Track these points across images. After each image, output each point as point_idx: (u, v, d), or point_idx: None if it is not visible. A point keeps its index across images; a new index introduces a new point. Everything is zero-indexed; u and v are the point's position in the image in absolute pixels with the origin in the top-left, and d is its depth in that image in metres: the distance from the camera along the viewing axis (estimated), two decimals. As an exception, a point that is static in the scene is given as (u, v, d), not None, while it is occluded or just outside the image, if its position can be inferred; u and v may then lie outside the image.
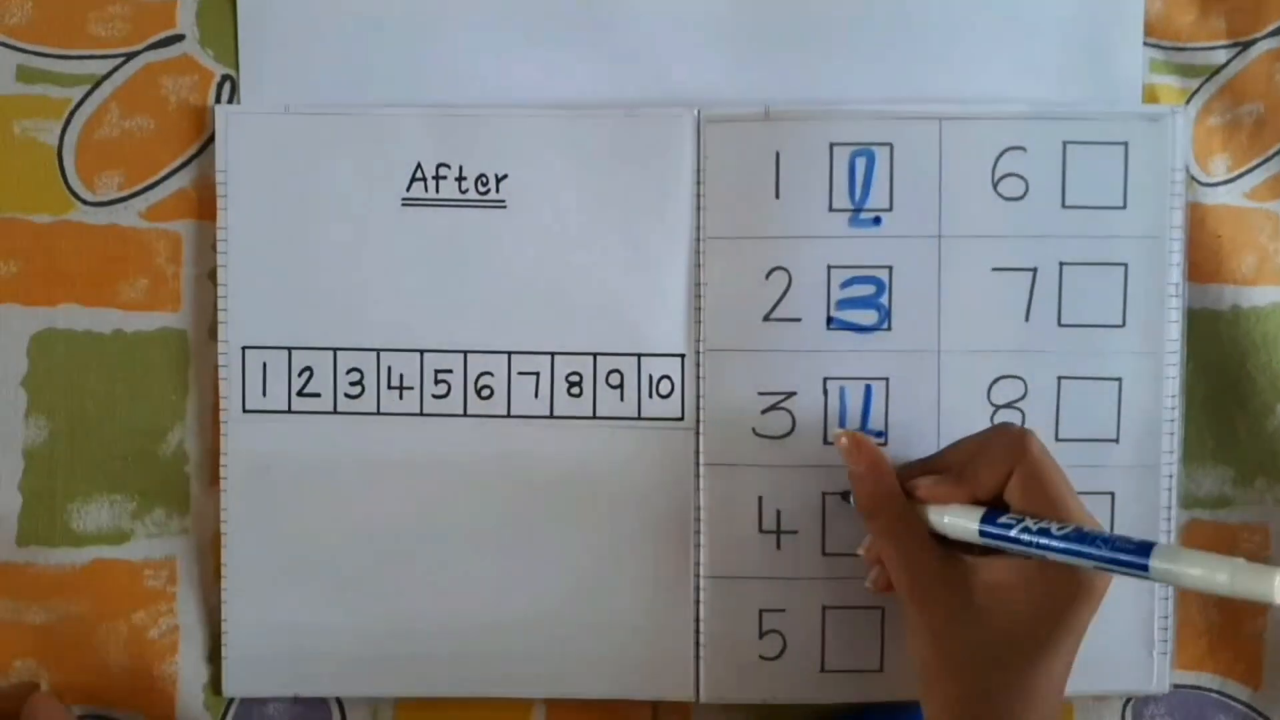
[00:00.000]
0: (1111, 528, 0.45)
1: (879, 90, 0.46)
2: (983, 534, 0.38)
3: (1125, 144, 0.45)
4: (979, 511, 0.38)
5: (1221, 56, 0.47)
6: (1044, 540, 0.36)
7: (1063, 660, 0.38)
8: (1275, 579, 0.31)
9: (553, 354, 0.46)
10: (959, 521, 0.39)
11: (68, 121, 0.46)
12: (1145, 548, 0.34)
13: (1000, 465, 0.39)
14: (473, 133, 0.46)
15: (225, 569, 0.46)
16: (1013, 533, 0.37)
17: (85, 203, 0.46)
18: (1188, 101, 0.46)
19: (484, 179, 0.46)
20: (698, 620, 0.46)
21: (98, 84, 0.46)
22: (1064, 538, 0.36)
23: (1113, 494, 0.45)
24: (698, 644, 0.46)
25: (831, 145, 0.45)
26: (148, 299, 0.47)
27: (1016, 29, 0.46)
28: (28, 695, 0.45)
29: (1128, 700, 0.47)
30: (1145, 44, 0.46)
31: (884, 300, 0.45)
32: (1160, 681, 0.46)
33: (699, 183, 0.45)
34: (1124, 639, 0.46)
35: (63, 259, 0.46)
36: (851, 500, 0.44)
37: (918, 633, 0.39)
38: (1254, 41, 0.46)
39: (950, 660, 0.38)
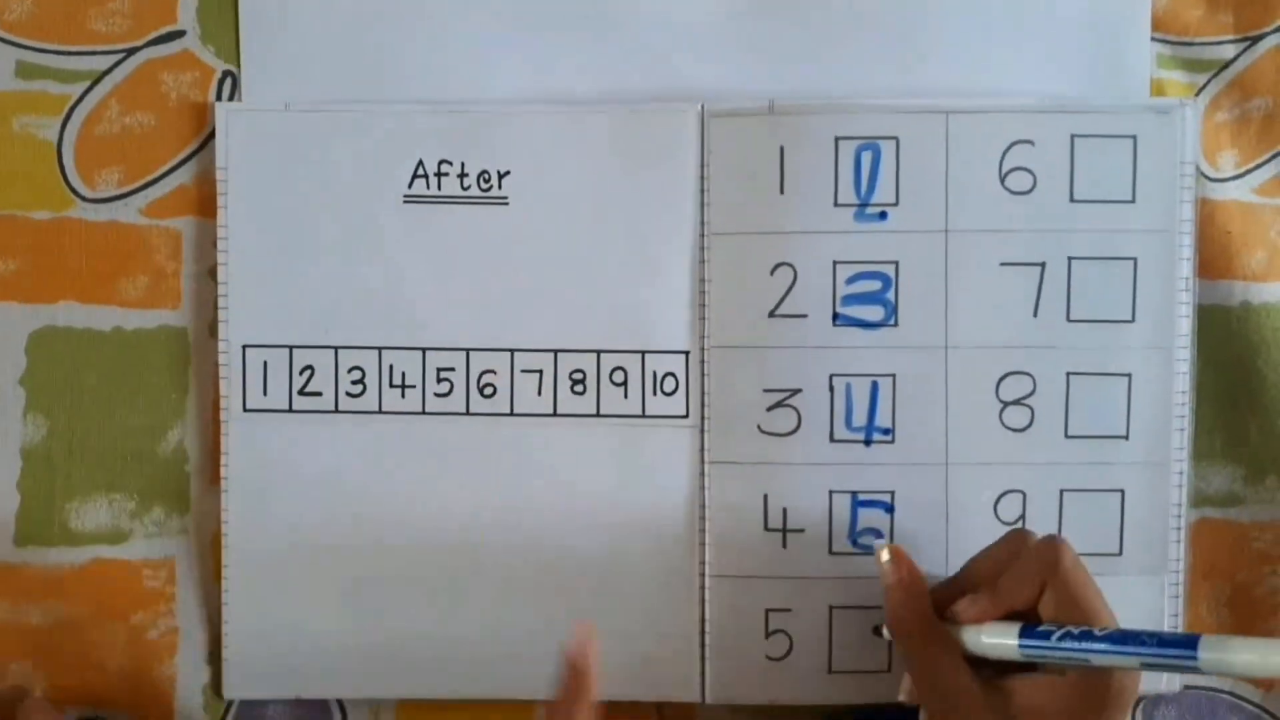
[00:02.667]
0: (1121, 526, 0.45)
1: (884, 84, 0.45)
2: (1023, 647, 0.37)
3: (1134, 137, 0.44)
4: (1015, 626, 0.37)
5: (1229, 51, 0.46)
6: (1088, 644, 0.35)
7: None
8: None
9: (556, 351, 0.46)
10: (998, 639, 0.38)
11: (67, 118, 0.46)
12: (1192, 640, 0.33)
13: (1034, 579, 0.38)
14: (475, 129, 0.45)
15: (225, 569, 0.46)
16: (1054, 640, 0.36)
17: (85, 199, 0.46)
18: (1195, 96, 0.46)
19: (486, 176, 0.45)
20: (703, 620, 0.45)
21: (97, 80, 0.46)
22: (1108, 639, 0.35)
23: (1122, 491, 0.45)
24: (703, 644, 0.45)
25: (837, 139, 0.45)
26: (147, 296, 0.46)
27: (1023, 23, 0.46)
28: (19, 701, 0.45)
29: (1139, 701, 0.47)
30: (1152, 38, 0.46)
31: (890, 296, 0.45)
32: (1171, 681, 0.46)
33: (703, 178, 0.45)
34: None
35: (62, 256, 0.46)
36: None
37: None
38: (1263, 36, 0.46)
39: None
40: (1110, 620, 0.37)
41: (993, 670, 0.39)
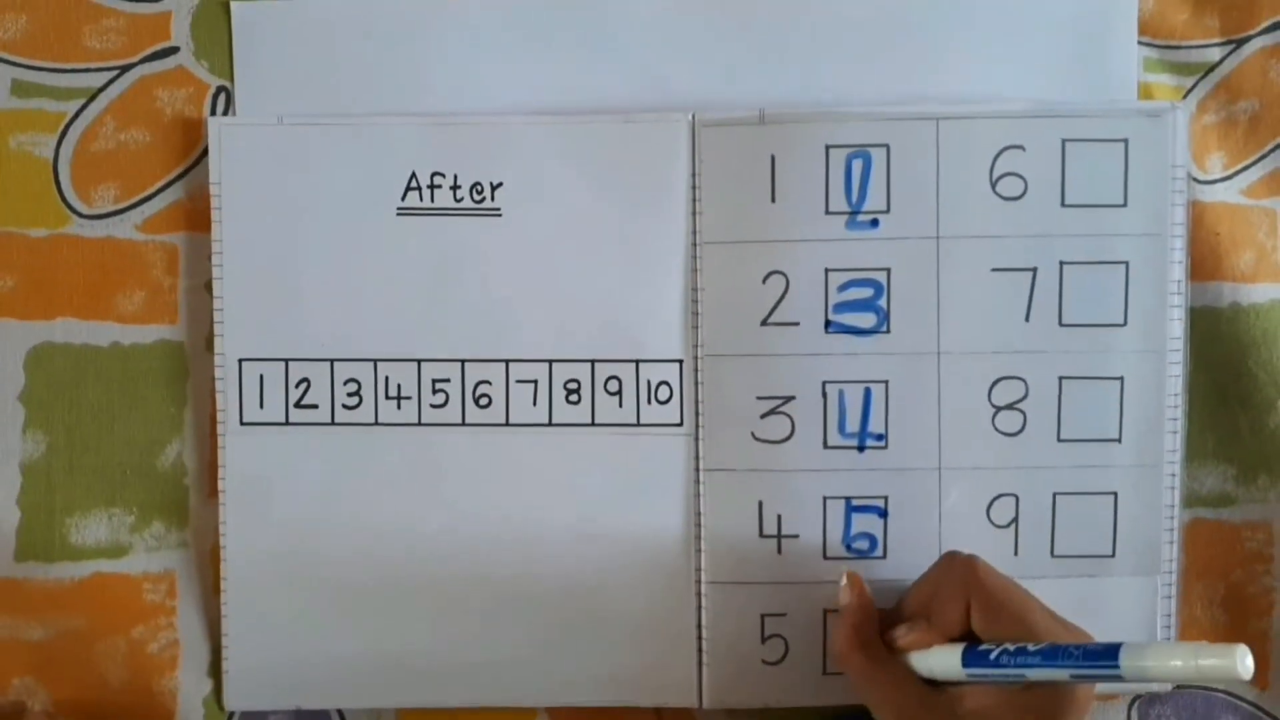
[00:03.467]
0: (1114, 529, 0.45)
1: (874, 92, 0.46)
2: (969, 673, 0.37)
3: (1125, 141, 0.44)
4: (958, 649, 0.38)
5: (1215, 54, 0.46)
6: (1023, 659, 0.36)
7: None
8: (1237, 654, 0.31)
9: (550, 361, 0.46)
10: (943, 664, 0.38)
11: (63, 135, 0.46)
12: (1113, 650, 0.34)
13: (958, 599, 0.39)
14: (467, 141, 0.46)
15: (224, 582, 0.46)
16: (993, 658, 0.37)
17: (81, 216, 0.46)
18: (1182, 99, 0.46)
19: (479, 187, 0.46)
20: (699, 626, 0.46)
21: (93, 97, 0.46)
22: (1039, 654, 0.36)
23: (1115, 494, 0.45)
24: (700, 650, 0.46)
25: (827, 147, 0.45)
26: (144, 311, 0.46)
27: (1010, 29, 0.46)
28: (19, 717, 0.45)
29: (1133, 700, 0.47)
30: (1139, 42, 0.46)
31: (882, 303, 0.45)
32: (1163, 683, 0.46)
33: (695, 187, 0.45)
34: (1127, 640, 0.45)
35: (59, 273, 0.46)
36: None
37: None
38: (1248, 39, 0.46)
39: None
40: (1044, 619, 0.38)
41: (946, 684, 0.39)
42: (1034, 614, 0.38)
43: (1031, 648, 0.36)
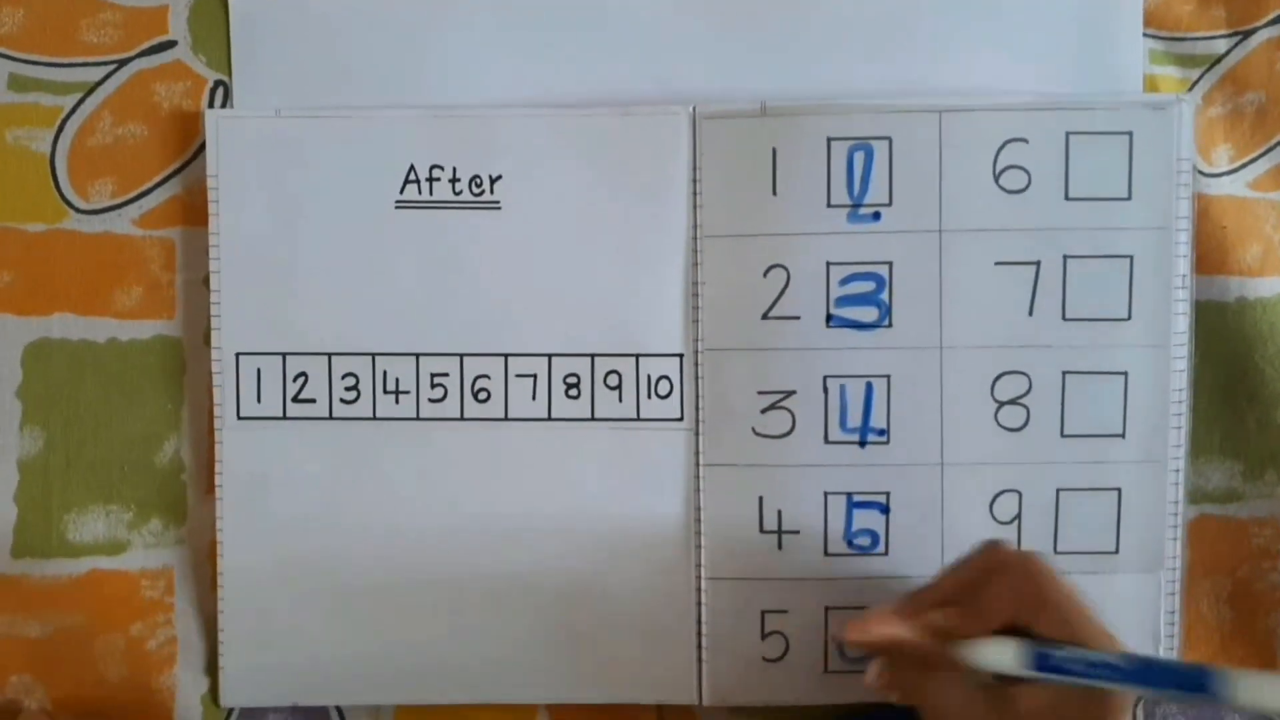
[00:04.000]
0: (1118, 525, 0.45)
1: (877, 84, 0.45)
2: (1036, 674, 0.36)
3: (1130, 134, 0.44)
4: (1012, 644, 0.36)
5: (1222, 46, 0.46)
6: (1108, 672, 0.34)
7: None
8: None
9: (550, 355, 0.46)
10: (1001, 659, 0.37)
11: (60, 129, 0.46)
12: (1207, 676, 0.33)
13: (1014, 599, 0.37)
14: (466, 133, 0.45)
15: (221, 578, 0.46)
16: (1063, 662, 0.35)
17: (78, 211, 0.46)
18: (1188, 91, 0.46)
19: (478, 180, 0.45)
20: (699, 622, 0.45)
21: (90, 91, 0.46)
22: (1131, 671, 0.34)
23: (1119, 490, 0.45)
24: (700, 646, 0.45)
25: (829, 140, 0.44)
26: (142, 307, 0.46)
27: (1014, 20, 0.45)
28: (15, 716, 0.45)
29: (1139, 698, 0.46)
30: (1145, 34, 0.46)
31: (884, 296, 0.45)
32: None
33: (695, 180, 0.45)
34: (1131, 636, 0.45)
35: (56, 268, 0.46)
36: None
37: None
38: (1254, 30, 0.46)
39: None
40: (1097, 625, 0.37)
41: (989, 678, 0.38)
42: (1090, 625, 0.37)
43: (1116, 660, 0.34)
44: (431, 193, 0.45)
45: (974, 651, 0.38)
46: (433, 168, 0.45)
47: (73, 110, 0.46)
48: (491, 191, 0.45)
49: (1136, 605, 0.45)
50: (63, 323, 0.46)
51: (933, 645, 0.38)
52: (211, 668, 0.46)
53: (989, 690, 0.38)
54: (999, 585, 0.38)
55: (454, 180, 0.45)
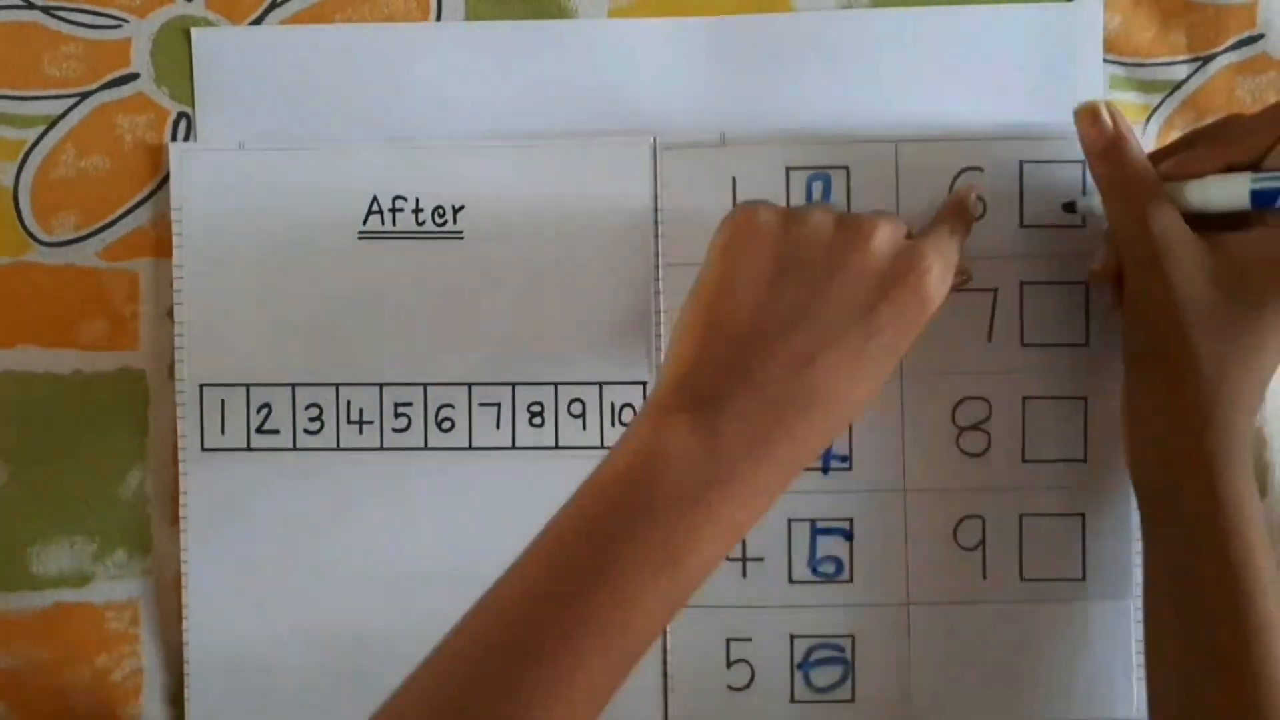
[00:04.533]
0: (1084, 551, 0.45)
1: (834, 114, 0.45)
2: (1257, 193, 0.35)
3: (1082, 162, 0.44)
4: (1244, 175, 0.36)
5: (1182, 72, 0.46)
6: None
7: None
8: None
9: (513, 384, 0.46)
10: (1227, 187, 0.36)
11: (23, 163, 0.46)
12: None
13: (1270, 126, 0.37)
14: (428, 164, 0.45)
15: (186, 609, 0.46)
16: None
17: (41, 244, 0.46)
18: (1149, 118, 0.46)
19: (440, 210, 0.46)
20: (664, 650, 0.45)
21: (52, 124, 0.46)
22: None
23: (1083, 515, 0.45)
24: (665, 675, 0.45)
25: (788, 169, 0.45)
26: (106, 339, 0.46)
27: (972, 48, 0.45)
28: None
29: (1106, 725, 0.46)
30: (1105, 60, 0.46)
31: (845, 323, 0.45)
32: (1142, 707, 0.45)
33: (656, 209, 0.45)
34: (1101, 666, 0.45)
35: (20, 301, 0.46)
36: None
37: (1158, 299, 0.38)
38: (1214, 56, 0.46)
39: (1200, 324, 0.37)
40: None
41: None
42: None
43: None
44: (394, 223, 0.46)
45: (1201, 188, 0.37)
46: (396, 198, 0.46)
47: (35, 143, 0.46)
48: (454, 222, 0.46)
49: (1107, 633, 0.45)
50: (26, 355, 0.46)
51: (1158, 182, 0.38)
52: (177, 699, 0.46)
53: (1199, 235, 0.38)
54: (1251, 118, 0.38)
55: (417, 211, 0.46)
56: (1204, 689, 0.37)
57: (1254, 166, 0.37)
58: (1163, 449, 0.39)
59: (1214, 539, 0.37)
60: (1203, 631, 0.37)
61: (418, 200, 0.46)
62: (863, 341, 0.35)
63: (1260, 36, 0.46)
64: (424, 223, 0.46)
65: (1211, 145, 0.39)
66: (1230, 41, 0.46)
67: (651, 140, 0.45)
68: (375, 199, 0.46)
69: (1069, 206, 0.44)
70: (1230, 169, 0.38)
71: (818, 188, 0.44)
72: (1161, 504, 0.39)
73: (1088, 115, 0.40)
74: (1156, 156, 0.41)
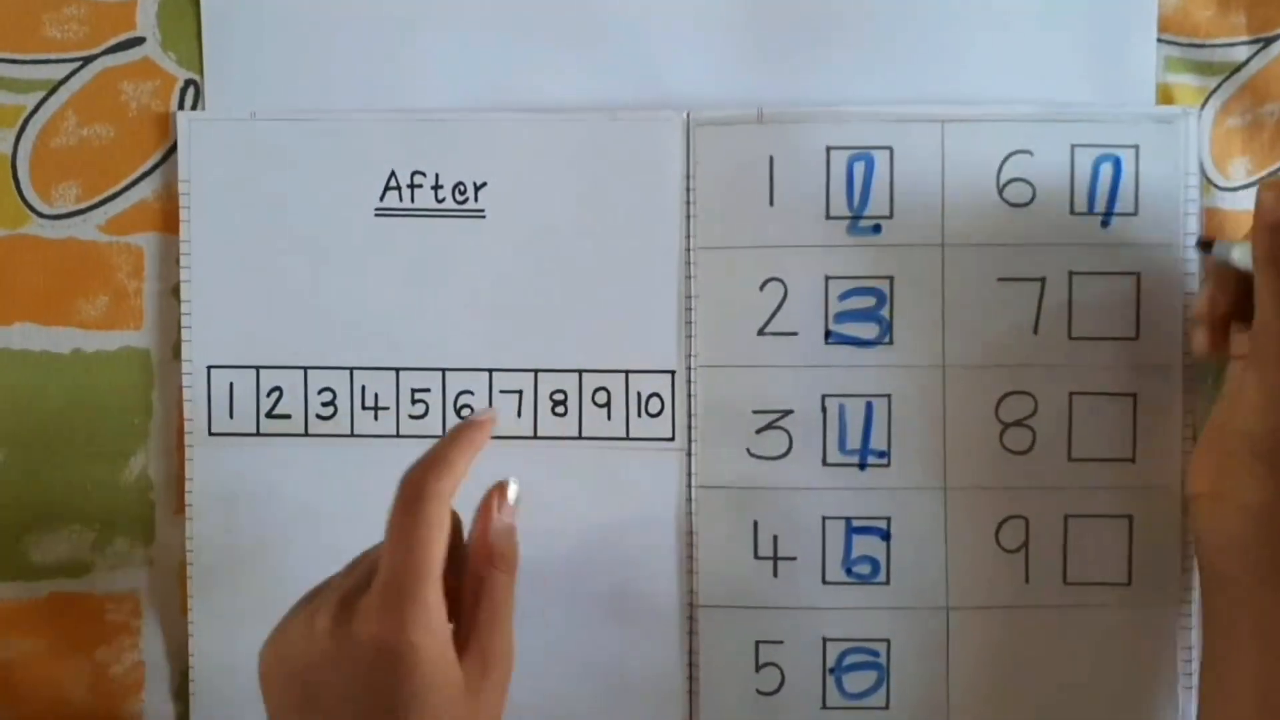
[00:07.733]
0: (1130, 554, 0.43)
1: (878, 91, 0.43)
2: None
3: (1136, 147, 0.42)
4: None
5: (1242, 53, 0.44)
6: None
7: None
8: None
9: (536, 371, 0.44)
10: None
11: (22, 130, 0.44)
12: None
13: None
14: (449, 138, 0.43)
15: (192, 601, 0.44)
16: None
17: (41, 215, 0.44)
18: (1205, 101, 0.44)
19: (461, 187, 0.44)
20: (691, 653, 0.44)
21: (53, 90, 0.44)
22: None
23: (1130, 517, 0.43)
24: (692, 678, 0.44)
25: (828, 149, 0.43)
26: (108, 317, 0.44)
27: (1023, 26, 0.43)
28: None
29: None
30: (1160, 40, 0.44)
31: (885, 312, 0.43)
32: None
33: (689, 189, 0.43)
34: (1147, 675, 0.43)
35: (17, 275, 0.44)
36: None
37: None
38: (1276, 38, 0.44)
39: None
40: None
41: None
42: None
43: None
44: (413, 200, 0.44)
45: None
46: (414, 174, 0.44)
47: (35, 109, 0.44)
48: (475, 199, 0.44)
49: (1152, 641, 0.43)
50: (24, 333, 0.44)
51: None
52: (181, 693, 0.45)
53: None
54: None
55: (436, 187, 0.44)
56: None
57: None
58: None
59: None
60: None
61: (438, 176, 0.44)
62: None
63: (1326, 18, 0.44)
64: (444, 200, 0.44)
65: None
66: (1293, 23, 0.44)
67: (685, 115, 0.43)
68: (393, 174, 0.44)
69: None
70: None
71: (860, 169, 0.42)
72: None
73: (1276, 188, 0.37)
74: None
